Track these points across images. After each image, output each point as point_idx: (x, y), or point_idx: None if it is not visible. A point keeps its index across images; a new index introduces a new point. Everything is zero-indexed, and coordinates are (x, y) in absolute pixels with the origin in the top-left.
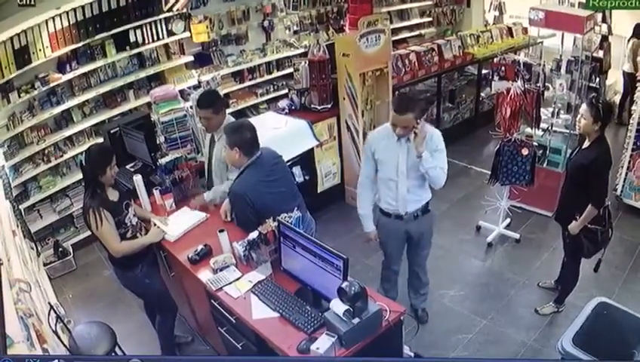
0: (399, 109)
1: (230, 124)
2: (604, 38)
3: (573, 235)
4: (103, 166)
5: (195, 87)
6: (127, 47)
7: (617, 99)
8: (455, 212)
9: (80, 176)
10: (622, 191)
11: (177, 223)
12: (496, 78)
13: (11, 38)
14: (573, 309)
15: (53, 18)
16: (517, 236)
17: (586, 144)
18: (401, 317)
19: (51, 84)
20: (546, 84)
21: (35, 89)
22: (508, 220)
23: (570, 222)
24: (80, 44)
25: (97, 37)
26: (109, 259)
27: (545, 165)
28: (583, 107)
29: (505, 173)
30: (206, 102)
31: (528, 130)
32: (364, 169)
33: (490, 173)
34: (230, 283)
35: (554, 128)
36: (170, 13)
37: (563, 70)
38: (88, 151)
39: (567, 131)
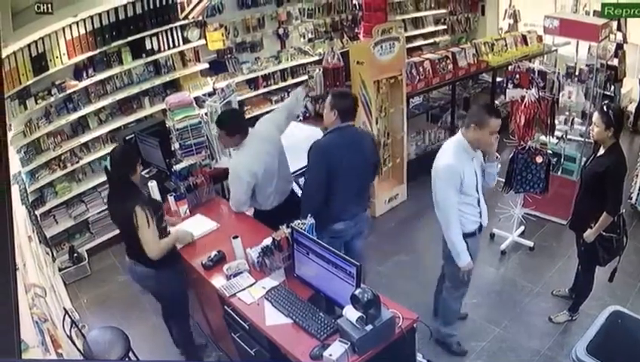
0: (499, 113)
1: (340, 89)
2: (619, 46)
3: (588, 243)
4: (132, 164)
5: (210, 94)
6: (143, 55)
7: (633, 107)
8: None
9: (96, 181)
10: (637, 200)
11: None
12: (510, 85)
13: (29, 46)
14: (587, 318)
15: (70, 26)
16: (531, 244)
17: (601, 151)
18: (415, 324)
19: (68, 91)
20: (562, 92)
21: (52, 96)
22: (522, 228)
23: (585, 230)
24: (96, 52)
25: (114, 44)
26: (140, 260)
27: (559, 173)
28: (595, 115)
29: (519, 181)
30: (220, 121)
31: (543, 137)
32: (454, 204)
33: (504, 180)
34: (244, 289)
35: (568, 136)
36: (186, 21)
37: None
38: (113, 154)
39: (582, 139)
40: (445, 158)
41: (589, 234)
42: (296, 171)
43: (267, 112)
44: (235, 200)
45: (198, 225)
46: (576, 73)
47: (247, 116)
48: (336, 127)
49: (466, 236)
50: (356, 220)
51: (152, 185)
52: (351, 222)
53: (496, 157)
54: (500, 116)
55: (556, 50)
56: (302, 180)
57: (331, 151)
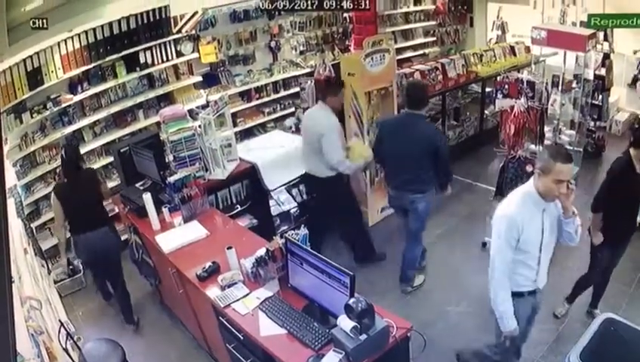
0: (568, 158)
1: (414, 80)
2: (606, 56)
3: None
4: (81, 156)
5: (204, 107)
6: (137, 68)
7: (621, 116)
8: (461, 228)
9: None
10: None
11: (176, 237)
12: (499, 95)
13: (24, 60)
14: (580, 325)
15: (65, 40)
16: None
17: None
18: (408, 334)
19: (63, 105)
20: (550, 101)
21: (47, 109)
22: None
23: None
24: (91, 66)
25: (108, 58)
26: (97, 225)
27: None
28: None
29: (510, 190)
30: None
31: (532, 146)
32: (505, 259)
33: (495, 189)
34: (238, 299)
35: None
36: (180, 35)
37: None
38: (66, 152)
39: (571, 148)
40: (507, 208)
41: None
42: (290, 181)
43: (260, 124)
44: (338, 152)
45: (188, 233)
46: (559, 83)
47: (241, 128)
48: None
49: (514, 295)
50: (401, 196)
51: (147, 198)
52: (397, 193)
53: (573, 213)
54: (569, 160)
55: (544, 61)
56: (295, 191)
57: (385, 125)
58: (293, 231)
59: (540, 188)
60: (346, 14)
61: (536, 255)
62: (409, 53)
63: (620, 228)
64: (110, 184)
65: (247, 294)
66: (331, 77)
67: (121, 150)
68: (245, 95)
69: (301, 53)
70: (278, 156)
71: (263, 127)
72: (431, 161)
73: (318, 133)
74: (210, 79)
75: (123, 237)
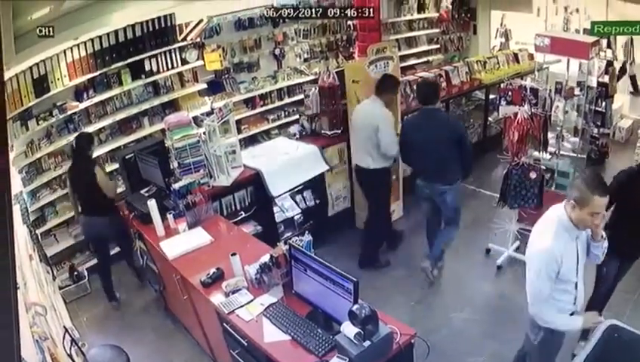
0: (605, 190)
1: (426, 79)
2: (610, 64)
3: None
4: (90, 146)
5: (208, 114)
6: (143, 76)
7: (624, 123)
8: (465, 234)
9: None
10: None
11: (180, 243)
12: (503, 102)
13: (30, 68)
14: (584, 332)
15: (71, 48)
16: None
17: None
18: (412, 340)
19: (69, 112)
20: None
21: (53, 117)
22: (517, 243)
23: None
24: (97, 73)
25: (113, 66)
26: (97, 213)
27: (553, 188)
28: None
29: (513, 197)
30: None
31: (536, 153)
32: (546, 289)
33: (498, 196)
34: (242, 306)
35: (561, 152)
36: (184, 43)
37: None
38: (79, 140)
39: (575, 155)
40: (542, 241)
41: None
42: (294, 188)
43: (264, 131)
44: (394, 140)
45: (192, 239)
46: (562, 90)
47: (245, 135)
48: (419, 108)
49: None
50: (430, 186)
51: (152, 204)
52: (426, 184)
53: (602, 237)
54: (607, 193)
55: (547, 68)
56: (299, 197)
57: (408, 124)
58: (297, 238)
59: (574, 219)
60: (350, 22)
61: (574, 281)
62: (413, 61)
63: (628, 242)
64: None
65: (251, 300)
66: (391, 76)
67: (126, 157)
68: (250, 102)
69: (305, 60)
70: (282, 163)
71: (267, 134)
72: (456, 150)
73: (373, 125)
74: (215, 86)
75: None
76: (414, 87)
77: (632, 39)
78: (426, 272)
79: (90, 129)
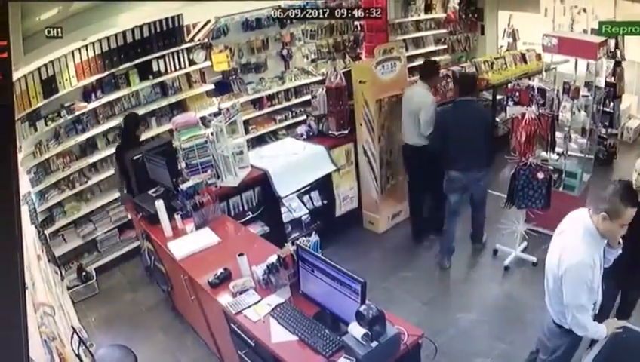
0: (636, 201)
1: (464, 71)
2: (617, 64)
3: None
4: (138, 125)
5: (216, 115)
6: (150, 76)
7: (632, 123)
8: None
9: (104, 201)
10: None
11: (187, 244)
12: (510, 103)
13: (39, 69)
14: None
15: (79, 49)
16: (534, 259)
17: None
18: (419, 341)
19: (77, 113)
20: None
21: (61, 117)
22: (524, 243)
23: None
24: (105, 74)
25: (121, 67)
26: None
27: (561, 189)
28: (638, 162)
29: (521, 197)
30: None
31: (543, 154)
32: (586, 299)
33: (506, 196)
34: (249, 306)
35: (569, 152)
36: (192, 44)
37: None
38: (127, 119)
39: (582, 155)
40: (576, 254)
41: None
42: (302, 188)
43: (272, 131)
44: (429, 121)
45: (199, 240)
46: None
47: (253, 135)
48: (454, 99)
49: None
50: (467, 175)
51: (159, 205)
52: (461, 175)
53: (619, 243)
54: (638, 204)
55: (555, 68)
56: (306, 198)
57: (445, 116)
58: (304, 238)
59: (603, 231)
60: (357, 23)
61: (598, 283)
62: (420, 61)
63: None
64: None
65: (259, 301)
66: (432, 61)
67: (134, 157)
68: (257, 103)
69: (312, 61)
70: (289, 163)
71: (274, 135)
72: (486, 137)
73: (417, 106)
74: (223, 87)
75: (136, 244)
76: None
77: None
78: (478, 248)
79: (99, 129)
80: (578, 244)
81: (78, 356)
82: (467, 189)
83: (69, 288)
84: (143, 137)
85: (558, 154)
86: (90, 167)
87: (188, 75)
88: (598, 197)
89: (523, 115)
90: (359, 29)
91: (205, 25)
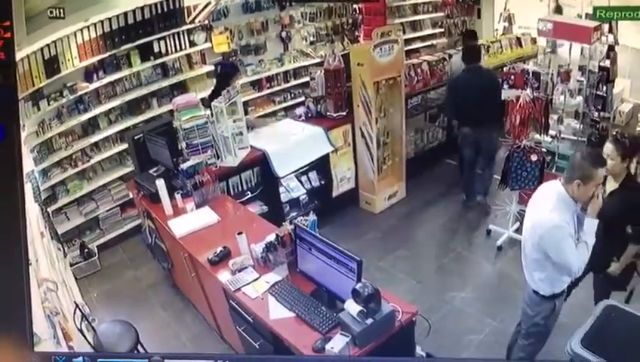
0: (603, 161)
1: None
2: (611, 48)
3: (613, 276)
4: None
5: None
6: (152, 57)
7: (625, 107)
8: (466, 215)
9: (106, 179)
10: None
11: (188, 222)
12: (505, 86)
13: (42, 49)
14: (582, 311)
15: (81, 30)
16: None
17: (613, 185)
18: (413, 318)
19: (79, 93)
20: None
21: (64, 97)
22: (517, 224)
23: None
24: (106, 55)
25: (123, 48)
26: None
27: (553, 170)
28: (608, 146)
29: (514, 179)
30: None
31: (537, 136)
32: (574, 249)
33: (500, 178)
34: (248, 284)
35: (562, 135)
36: (193, 25)
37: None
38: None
39: (575, 138)
40: (550, 220)
41: (616, 269)
42: (300, 168)
43: (271, 113)
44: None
45: (199, 218)
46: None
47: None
48: (465, 67)
49: (555, 297)
50: (476, 131)
51: (160, 184)
52: (470, 131)
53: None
54: (605, 163)
55: (550, 52)
56: (304, 178)
57: (458, 81)
58: (302, 218)
59: (579, 195)
60: (355, 5)
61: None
62: (417, 44)
63: None
64: (124, 170)
65: (257, 278)
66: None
67: (136, 137)
68: (256, 84)
69: (311, 43)
70: (288, 144)
71: (273, 116)
72: (495, 98)
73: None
74: (225, 68)
75: (137, 222)
76: (418, 70)
77: None
78: (482, 204)
79: (100, 109)
80: (551, 210)
81: (81, 331)
82: (479, 145)
83: (71, 265)
84: (144, 118)
85: (551, 136)
86: (92, 146)
87: (188, 56)
88: (567, 167)
89: (518, 98)
90: (358, 12)
91: (206, 7)
